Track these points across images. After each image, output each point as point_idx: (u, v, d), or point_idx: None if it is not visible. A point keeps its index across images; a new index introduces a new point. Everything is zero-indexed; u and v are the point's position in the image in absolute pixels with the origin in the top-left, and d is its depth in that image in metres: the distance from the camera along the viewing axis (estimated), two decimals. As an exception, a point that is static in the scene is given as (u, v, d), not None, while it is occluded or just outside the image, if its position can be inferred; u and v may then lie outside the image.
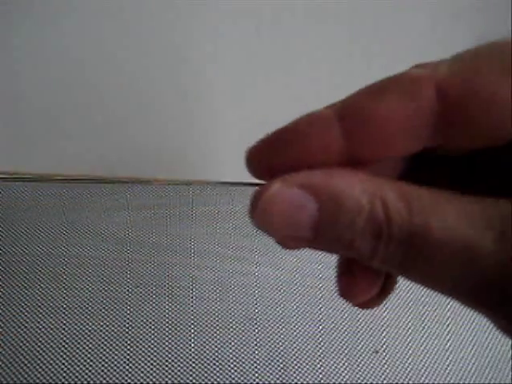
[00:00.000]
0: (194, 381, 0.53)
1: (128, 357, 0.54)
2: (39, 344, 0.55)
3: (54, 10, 0.59)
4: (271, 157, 0.21)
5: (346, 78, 0.67)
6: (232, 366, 0.54)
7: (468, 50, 0.19)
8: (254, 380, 0.54)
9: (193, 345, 0.56)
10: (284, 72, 0.65)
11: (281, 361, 0.55)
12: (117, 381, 0.52)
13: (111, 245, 0.66)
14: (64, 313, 0.58)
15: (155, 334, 0.57)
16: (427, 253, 0.18)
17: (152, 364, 0.54)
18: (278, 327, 0.58)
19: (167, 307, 0.59)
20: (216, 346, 0.56)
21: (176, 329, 0.57)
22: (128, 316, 0.58)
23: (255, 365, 0.55)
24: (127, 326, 0.57)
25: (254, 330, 0.58)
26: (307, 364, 0.55)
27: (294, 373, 0.54)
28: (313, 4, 0.60)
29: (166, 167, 0.73)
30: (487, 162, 0.21)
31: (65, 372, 0.53)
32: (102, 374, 0.53)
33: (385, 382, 0.54)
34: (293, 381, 0.54)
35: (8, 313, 0.57)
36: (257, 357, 0.55)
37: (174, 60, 0.64)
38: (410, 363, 0.56)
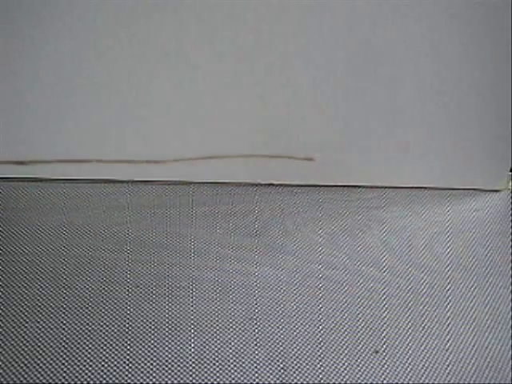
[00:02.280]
0: (193, 381, 0.53)
1: (128, 357, 0.54)
2: (39, 344, 0.55)
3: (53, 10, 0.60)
4: None
5: (346, 79, 0.67)
6: (232, 365, 0.54)
7: None
8: (254, 380, 0.54)
9: (193, 345, 0.56)
10: (283, 72, 0.65)
11: (281, 361, 0.55)
12: (117, 381, 0.52)
13: (111, 245, 0.66)
14: (64, 313, 0.58)
15: (155, 334, 0.57)
16: None
17: (152, 364, 0.54)
18: (277, 327, 0.58)
19: (167, 307, 0.59)
20: (216, 346, 0.56)
21: (176, 329, 0.57)
22: (128, 316, 0.58)
23: (255, 365, 0.55)
24: (127, 326, 0.57)
25: (254, 330, 0.58)
26: (307, 364, 0.55)
27: (294, 373, 0.54)
28: (312, 4, 0.60)
29: (165, 167, 0.73)
30: None
31: (65, 372, 0.53)
32: (101, 373, 0.53)
33: (385, 382, 0.54)
34: (293, 381, 0.54)
35: (8, 313, 0.57)
36: (257, 357, 0.55)
37: (173, 60, 0.64)
38: (409, 363, 0.56)
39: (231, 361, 0.55)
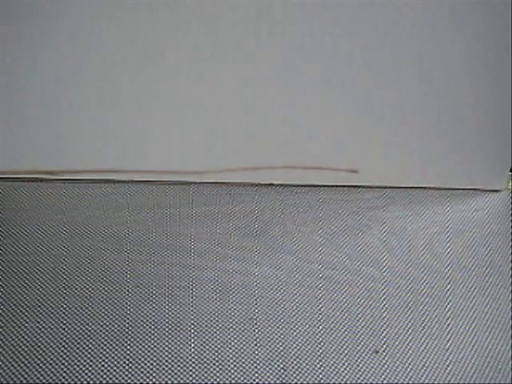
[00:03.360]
0: (193, 381, 0.53)
1: (128, 357, 0.54)
2: (39, 344, 0.55)
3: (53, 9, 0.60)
4: None
5: (345, 79, 0.67)
6: (232, 365, 0.54)
7: None
8: (254, 380, 0.54)
9: (193, 345, 0.56)
10: (283, 73, 0.65)
11: (281, 361, 0.55)
12: (117, 381, 0.52)
13: (111, 245, 0.66)
14: (64, 313, 0.58)
15: (155, 334, 0.57)
16: None
17: (152, 364, 0.54)
18: (277, 327, 0.58)
19: (167, 307, 0.59)
20: (216, 346, 0.56)
21: (176, 329, 0.57)
22: (128, 316, 0.58)
23: (255, 365, 0.55)
24: (127, 326, 0.57)
25: (254, 330, 0.58)
26: (307, 364, 0.55)
27: (294, 373, 0.54)
28: (312, 4, 0.60)
29: (165, 166, 0.73)
30: None
31: (65, 372, 0.53)
32: (101, 373, 0.53)
33: (385, 382, 0.54)
34: (293, 381, 0.54)
35: (8, 313, 0.57)
36: (257, 357, 0.55)
37: (172, 61, 0.64)
38: (409, 363, 0.56)
39: (231, 361, 0.55)
